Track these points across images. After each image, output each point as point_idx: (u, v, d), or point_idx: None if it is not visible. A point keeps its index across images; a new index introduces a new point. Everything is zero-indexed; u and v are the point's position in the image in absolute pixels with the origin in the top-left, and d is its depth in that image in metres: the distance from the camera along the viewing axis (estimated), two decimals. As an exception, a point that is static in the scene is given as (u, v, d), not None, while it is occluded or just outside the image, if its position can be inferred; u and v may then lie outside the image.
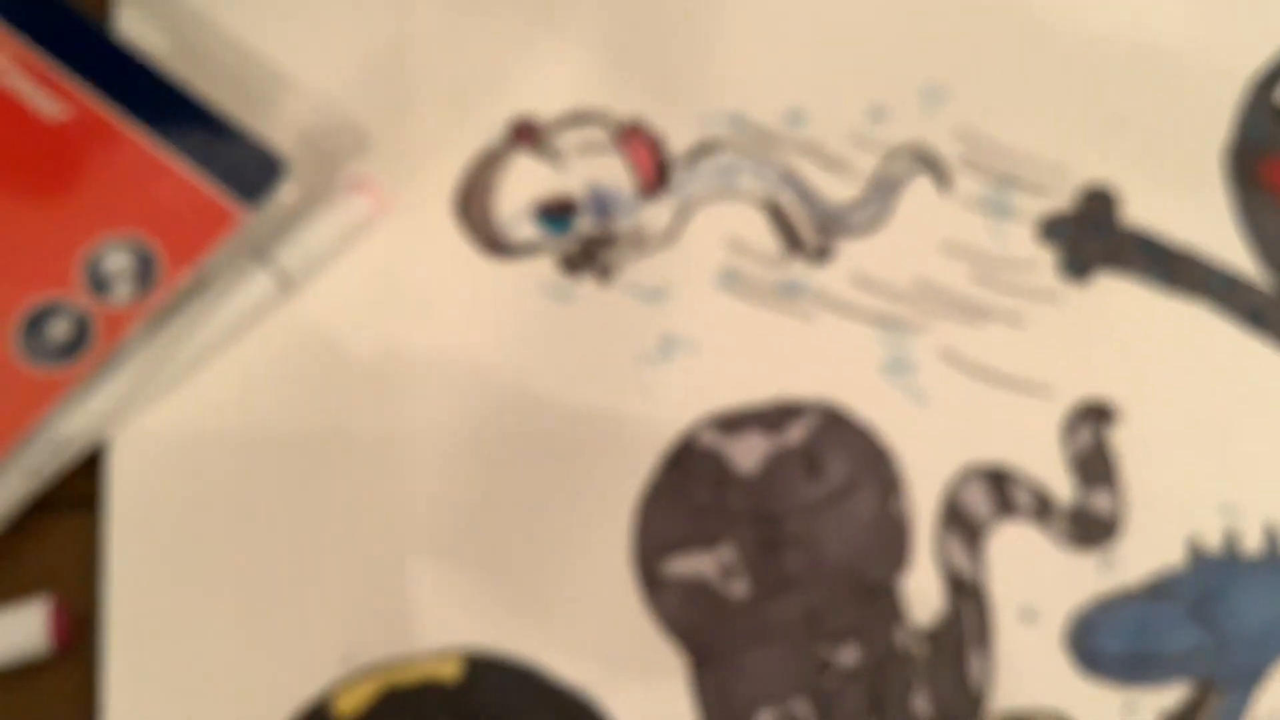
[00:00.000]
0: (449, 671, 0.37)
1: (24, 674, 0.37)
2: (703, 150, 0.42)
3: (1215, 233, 0.42)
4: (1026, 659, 0.38)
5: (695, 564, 0.38)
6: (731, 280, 0.41)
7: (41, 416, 0.37)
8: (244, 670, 0.37)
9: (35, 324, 0.37)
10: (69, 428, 0.37)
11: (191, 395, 0.38)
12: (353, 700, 0.37)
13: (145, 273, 0.38)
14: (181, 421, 0.38)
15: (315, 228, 0.39)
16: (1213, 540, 0.39)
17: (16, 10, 0.39)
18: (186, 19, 0.41)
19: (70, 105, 0.39)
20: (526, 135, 0.41)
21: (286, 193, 0.39)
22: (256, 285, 0.39)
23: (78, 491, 0.38)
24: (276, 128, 0.40)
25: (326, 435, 0.38)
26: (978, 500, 0.39)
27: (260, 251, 0.39)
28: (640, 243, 0.41)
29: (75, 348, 0.37)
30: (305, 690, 0.37)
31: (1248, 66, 0.43)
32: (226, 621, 0.37)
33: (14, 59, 0.39)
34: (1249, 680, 0.38)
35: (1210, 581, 0.39)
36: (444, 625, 0.37)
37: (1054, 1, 0.43)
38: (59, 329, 0.37)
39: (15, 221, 0.38)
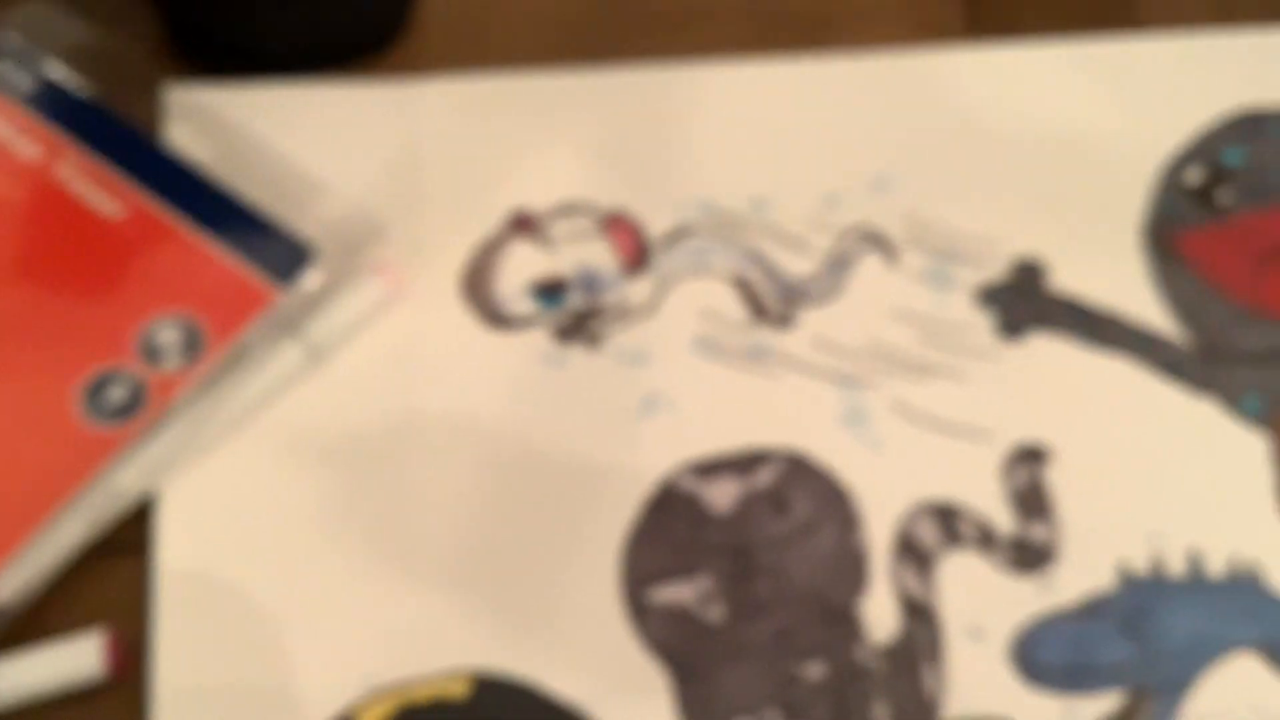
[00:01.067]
0: (458, 690, 0.41)
1: (84, 698, 0.41)
2: (678, 234, 0.47)
3: (1134, 297, 0.47)
4: (974, 672, 0.43)
5: (676, 592, 0.43)
6: (705, 345, 0.46)
7: (100, 470, 0.42)
8: (276, 692, 0.41)
9: (97, 389, 0.42)
10: (124, 480, 0.42)
11: (232, 452, 0.44)
12: (372, 717, 0.41)
13: (192, 345, 0.43)
14: (222, 475, 0.43)
15: (339, 306, 0.45)
16: (1140, 565, 0.44)
17: (80, 125, 0.46)
18: (226, 132, 0.47)
19: (126, 205, 0.45)
20: (523, 225, 0.47)
21: (314, 276, 0.45)
22: (289, 356, 0.44)
23: (130, 538, 0.43)
24: (305, 222, 0.46)
25: (349, 485, 0.44)
26: (927, 533, 0.44)
27: (292, 327, 0.44)
28: (624, 314, 0.46)
29: (130, 410, 0.42)
30: (330, 708, 0.41)
31: (1158, 153, 0.49)
32: (261, 649, 0.42)
33: (78, 167, 0.45)
34: (1177, 689, 0.43)
35: (1139, 601, 0.43)
36: (455, 649, 0.42)
37: (984, 99, 0.49)
38: (117, 393, 0.42)
39: (80, 302, 0.43)
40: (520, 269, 0.47)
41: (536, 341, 0.46)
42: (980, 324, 0.47)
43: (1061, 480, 0.45)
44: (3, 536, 0.41)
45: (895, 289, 0.47)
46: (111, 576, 0.42)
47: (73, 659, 0.41)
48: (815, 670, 0.42)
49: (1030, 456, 0.45)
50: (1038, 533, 0.44)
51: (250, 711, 0.41)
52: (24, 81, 0.46)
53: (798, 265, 0.47)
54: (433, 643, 0.42)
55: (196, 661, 0.41)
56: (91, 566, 0.42)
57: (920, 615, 0.43)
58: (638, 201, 0.48)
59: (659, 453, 0.45)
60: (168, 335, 0.43)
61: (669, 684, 0.42)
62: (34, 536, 0.41)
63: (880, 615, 0.43)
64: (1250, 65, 0.50)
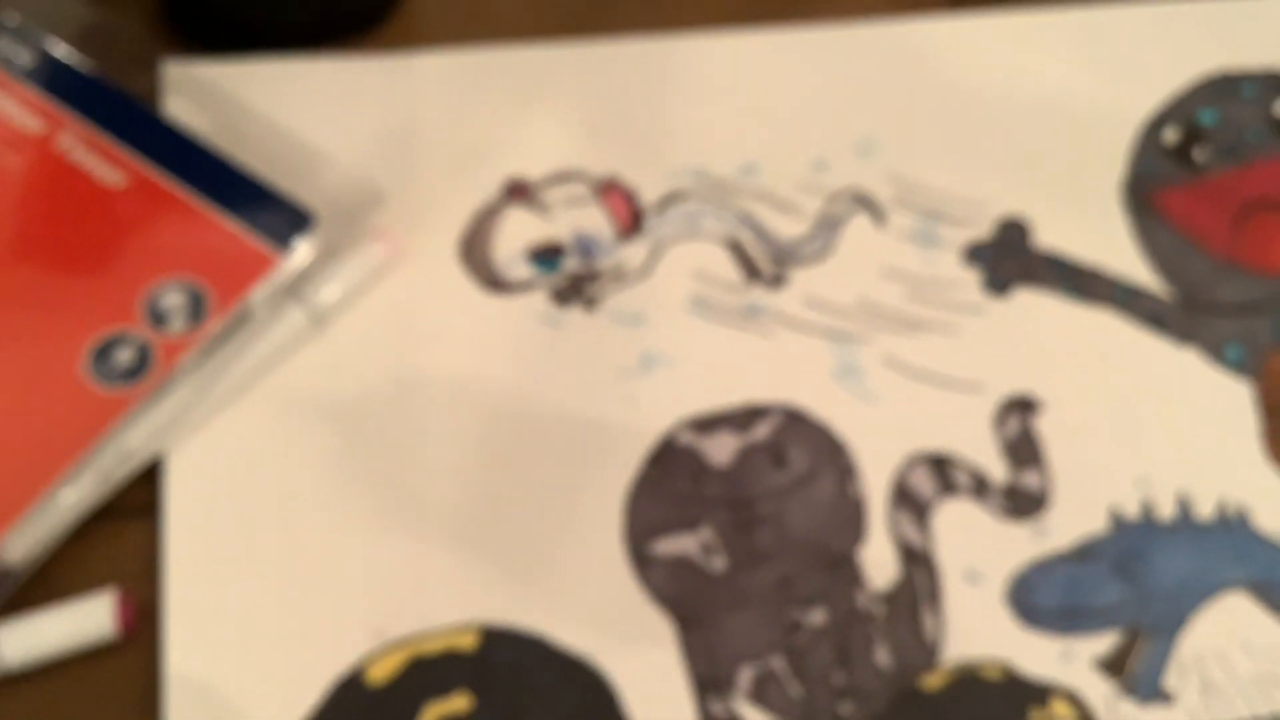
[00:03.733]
0: (467, 642, 0.42)
1: (95, 658, 0.41)
2: (671, 199, 0.48)
3: (1117, 252, 0.48)
4: (973, 615, 0.43)
5: (679, 544, 0.44)
6: (700, 305, 0.47)
7: (108, 431, 0.42)
8: (287, 647, 0.42)
9: (104, 352, 0.43)
10: (132, 441, 0.43)
11: (238, 413, 0.44)
12: (383, 670, 0.42)
13: (197, 308, 0.44)
14: (229, 436, 0.44)
15: (340, 271, 0.46)
16: (1131, 509, 0.45)
17: (81, 98, 0.46)
18: (224, 106, 0.48)
19: (127, 174, 0.45)
20: (519, 192, 0.48)
21: (314, 241, 0.45)
22: (292, 320, 0.45)
23: (138, 500, 0.43)
24: (305, 190, 0.46)
25: (354, 445, 0.44)
26: (923, 482, 0.45)
27: (295, 292, 0.45)
28: (620, 277, 0.47)
29: (137, 372, 0.43)
30: (342, 662, 0.42)
31: (1137, 113, 0.50)
32: (271, 607, 0.42)
33: (79, 138, 0.46)
34: (1172, 627, 0.44)
35: (1130, 544, 0.44)
36: (462, 603, 0.42)
37: (967, 64, 0.50)
38: (124, 356, 0.43)
39: (86, 269, 0.44)
40: (517, 235, 0.47)
41: (534, 304, 0.47)
42: (968, 280, 0.48)
43: (1052, 429, 0.46)
44: (12, 498, 0.41)
45: (884, 248, 0.48)
46: (120, 540, 0.43)
47: (84, 618, 0.41)
48: (817, 616, 0.43)
49: (1021, 407, 0.46)
50: (1030, 480, 0.45)
51: (262, 668, 0.41)
52: (23, 57, 0.47)
53: (789, 227, 0.48)
54: (441, 597, 0.42)
55: (207, 620, 0.42)
56: (100, 530, 0.43)
57: (918, 561, 0.44)
58: (630, 169, 0.49)
59: (658, 409, 0.45)
60: (173, 299, 0.44)
61: (674, 632, 0.43)
62: (43, 498, 0.41)
63: (879, 562, 0.44)
64: (1224, 29, 0.51)
